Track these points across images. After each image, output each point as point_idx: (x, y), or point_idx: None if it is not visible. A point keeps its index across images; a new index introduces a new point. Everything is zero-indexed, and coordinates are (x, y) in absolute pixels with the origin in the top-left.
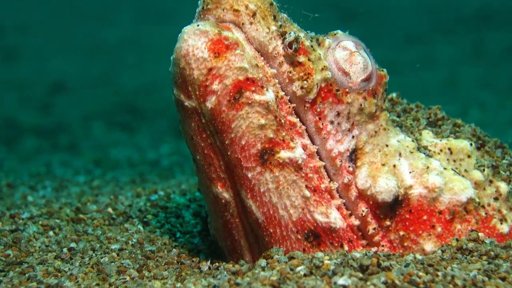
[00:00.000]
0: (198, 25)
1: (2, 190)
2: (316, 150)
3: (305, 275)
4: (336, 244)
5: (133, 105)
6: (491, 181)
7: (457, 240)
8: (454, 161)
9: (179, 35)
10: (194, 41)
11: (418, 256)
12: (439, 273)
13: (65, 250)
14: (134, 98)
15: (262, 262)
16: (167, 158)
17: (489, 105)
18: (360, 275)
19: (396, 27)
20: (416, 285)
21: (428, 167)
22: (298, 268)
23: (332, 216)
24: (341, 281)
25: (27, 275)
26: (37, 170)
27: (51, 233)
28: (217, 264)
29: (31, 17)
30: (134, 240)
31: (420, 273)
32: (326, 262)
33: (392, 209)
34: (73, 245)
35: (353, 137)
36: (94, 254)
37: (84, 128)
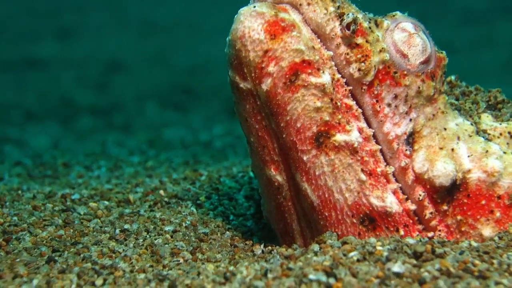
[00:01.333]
0: (254, 7)
1: (58, 170)
2: (372, 133)
3: (358, 260)
4: (392, 229)
5: (187, 85)
6: None
7: None
8: None
9: (235, 16)
10: (251, 22)
11: (474, 243)
12: (495, 261)
13: (118, 231)
14: (188, 78)
15: (315, 246)
16: (220, 139)
17: None
18: (414, 261)
19: (454, 5)
20: (471, 273)
21: (487, 151)
22: (351, 254)
23: (388, 200)
24: (395, 267)
25: (82, 255)
26: (92, 149)
27: (103, 214)
28: (270, 247)
29: None
30: (187, 222)
31: (476, 261)
32: (379, 248)
33: (449, 193)
34: (127, 226)
35: (410, 120)
36: (148, 236)
37: (138, 108)
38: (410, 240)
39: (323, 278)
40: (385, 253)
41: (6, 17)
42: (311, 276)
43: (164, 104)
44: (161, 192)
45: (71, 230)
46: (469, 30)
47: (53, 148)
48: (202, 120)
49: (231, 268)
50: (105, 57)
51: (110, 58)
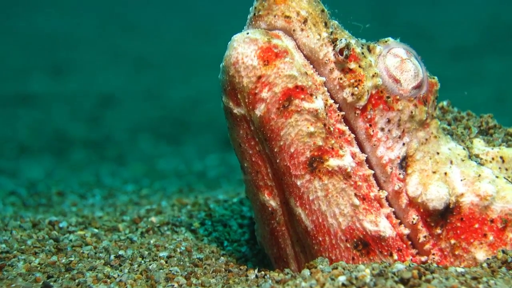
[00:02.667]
0: (247, 33)
1: (52, 198)
2: (365, 158)
3: (343, 285)
4: (386, 253)
5: (179, 118)
6: None
7: (503, 252)
8: (506, 169)
9: (229, 43)
10: (244, 49)
11: (461, 269)
12: (481, 286)
13: (113, 257)
14: (180, 111)
15: (306, 272)
16: (214, 169)
17: None
18: (401, 287)
19: (444, 42)
20: None
21: (479, 175)
22: (339, 278)
23: (381, 224)
24: None
25: (76, 280)
26: (87, 179)
27: (92, 241)
28: (263, 272)
29: (81, 32)
30: (182, 248)
31: (463, 287)
32: (367, 273)
33: (443, 217)
34: (121, 252)
35: (403, 144)
36: (142, 261)
37: (131, 141)
38: (399, 266)
39: None
40: (372, 279)
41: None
42: None
43: (157, 137)
44: (154, 219)
45: (64, 257)
46: (459, 66)
47: (47, 178)
48: (195, 151)
49: None
50: (98, 92)
51: (103, 93)
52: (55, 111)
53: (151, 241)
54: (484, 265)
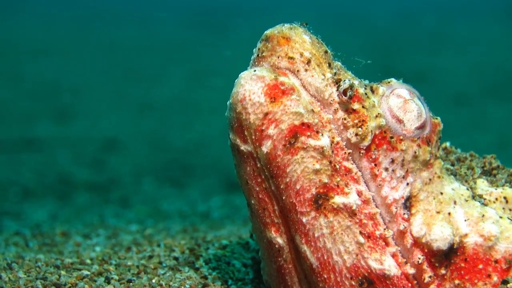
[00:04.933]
0: (255, 71)
1: (55, 239)
2: (371, 196)
3: None
4: None
5: (183, 161)
6: None
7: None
8: (510, 210)
9: (236, 80)
10: (251, 86)
11: None
12: None
13: None
14: (184, 154)
15: None
16: (217, 210)
17: None
18: None
19: (446, 87)
20: None
21: (483, 216)
22: None
23: (386, 263)
24: None
25: None
26: (91, 221)
27: (100, 279)
28: None
29: (85, 78)
30: (187, 286)
31: None
32: None
33: (447, 257)
34: None
35: (407, 184)
36: None
37: (135, 184)
38: None
39: None
40: None
41: (4, 99)
42: None
43: (161, 180)
44: (158, 258)
45: None
46: (462, 111)
47: (52, 220)
48: (199, 193)
49: None
50: (101, 136)
51: (106, 137)
52: (59, 155)
53: (154, 280)
54: None
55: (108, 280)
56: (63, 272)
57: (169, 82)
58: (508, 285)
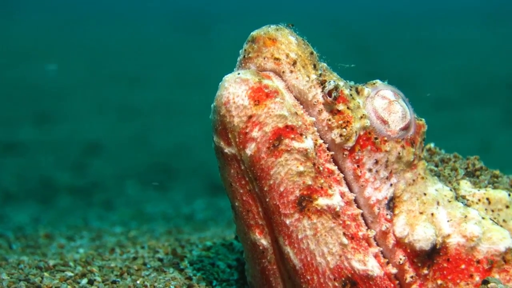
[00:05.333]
0: (238, 74)
1: (38, 241)
2: (354, 198)
3: None
4: None
5: (166, 165)
6: None
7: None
8: (492, 211)
9: (220, 83)
10: (235, 89)
11: None
12: None
13: None
14: (167, 158)
15: None
16: (201, 213)
17: None
18: None
19: (427, 91)
20: None
21: (466, 216)
22: None
23: (369, 264)
24: None
25: None
26: (74, 223)
27: (83, 280)
28: None
29: (66, 81)
30: (171, 287)
31: None
32: None
33: (429, 257)
34: None
35: (391, 185)
36: None
37: (118, 187)
38: None
39: None
40: None
41: None
42: None
43: (144, 183)
44: (142, 259)
45: None
46: (442, 115)
47: (34, 223)
48: (183, 196)
49: None
50: (84, 140)
51: (89, 141)
52: (41, 159)
53: (139, 281)
54: None
55: (91, 282)
56: (46, 274)
57: (152, 85)
58: (489, 285)
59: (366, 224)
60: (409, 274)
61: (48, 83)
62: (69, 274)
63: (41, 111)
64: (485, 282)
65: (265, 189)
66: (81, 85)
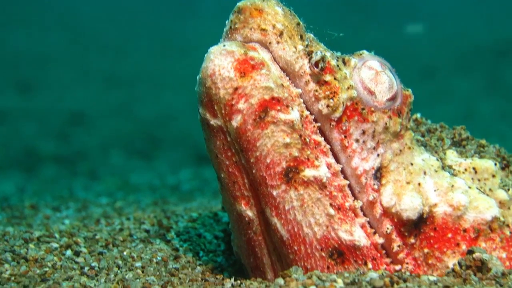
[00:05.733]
0: (224, 45)
1: (24, 212)
2: (340, 169)
3: None
4: (360, 262)
5: (151, 134)
6: None
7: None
8: (479, 180)
9: (206, 55)
10: (220, 61)
11: (433, 278)
12: None
13: (89, 267)
14: (151, 127)
15: (280, 281)
16: (187, 183)
17: (508, 137)
18: None
19: (412, 60)
20: None
21: (453, 186)
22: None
23: (356, 234)
24: None
25: None
26: (60, 193)
27: (69, 251)
28: (239, 281)
29: (49, 49)
30: (158, 257)
31: None
32: (339, 282)
33: (416, 226)
34: (94, 264)
35: (378, 155)
36: (119, 271)
37: (103, 156)
38: (372, 274)
39: None
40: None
41: None
42: None
43: (129, 152)
44: (129, 230)
45: (37, 267)
46: (427, 84)
47: (20, 193)
48: (168, 166)
49: None
50: (67, 109)
51: (72, 110)
52: (24, 128)
53: (126, 252)
54: (457, 268)
55: (77, 253)
56: (31, 245)
57: (137, 54)
58: (474, 255)
59: (353, 195)
60: (396, 243)
61: (30, 50)
62: (55, 245)
63: (23, 79)
64: (470, 252)
65: (252, 160)
66: (64, 54)
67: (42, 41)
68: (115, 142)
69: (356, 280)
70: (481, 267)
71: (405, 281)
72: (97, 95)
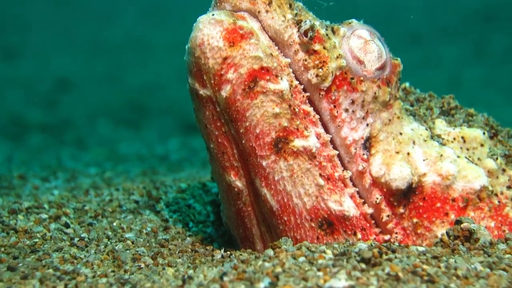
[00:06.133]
0: (213, 15)
1: (12, 182)
2: (329, 139)
3: (305, 265)
4: (350, 232)
5: (138, 103)
6: (504, 170)
7: (457, 222)
8: (467, 149)
9: (194, 24)
10: (209, 30)
11: (422, 248)
12: (442, 265)
13: (78, 238)
14: (139, 96)
15: (270, 251)
16: (176, 153)
17: (495, 104)
18: (363, 266)
19: (399, 27)
20: (420, 276)
21: (441, 155)
22: (300, 259)
23: (345, 204)
24: (341, 273)
25: (43, 261)
26: (48, 163)
27: (58, 223)
28: (229, 252)
29: (33, 15)
30: (148, 229)
31: (424, 266)
32: (328, 253)
33: (406, 196)
34: (84, 234)
35: (367, 125)
36: (109, 242)
37: (90, 125)
38: (361, 245)
39: (268, 283)
40: (333, 258)
41: None
42: (260, 284)
43: (116, 121)
44: (118, 201)
45: (27, 238)
46: (413, 50)
47: (7, 162)
48: (156, 135)
49: (190, 271)
50: (53, 76)
51: (58, 77)
52: (9, 95)
53: (115, 223)
54: (445, 238)
55: (67, 225)
56: (20, 217)
57: (122, 20)
58: (462, 225)
59: (343, 165)
60: (385, 213)
61: (13, 15)
62: (44, 216)
63: (7, 45)
64: (458, 222)
65: (241, 131)
66: (49, 19)
67: (27, 7)
68: (102, 110)
69: (345, 251)
70: (469, 237)
71: (393, 251)
72: (83, 62)
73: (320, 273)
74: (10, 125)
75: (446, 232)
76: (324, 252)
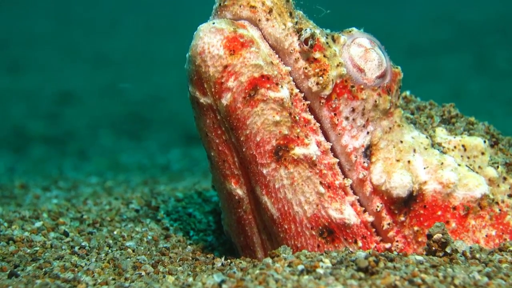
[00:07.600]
0: (213, 23)
1: (14, 191)
2: (330, 147)
3: (302, 273)
4: (350, 240)
5: (140, 114)
6: (505, 178)
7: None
8: (468, 158)
9: (195, 32)
10: (210, 38)
11: (420, 257)
12: (440, 274)
13: (79, 247)
14: (140, 107)
15: (268, 260)
16: (177, 163)
17: (497, 116)
18: (361, 275)
19: (400, 39)
20: (417, 286)
21: (442, 163)
22: (299, 267)
23: (346, 212)
24: (337, 283)
25: (44, 270)
26: (50, 173)
27: (58, 231)
28: (230, 260)
29: (37, 29)
30: (149, 237)
31: (422, 275)
32: (326, 262)
33: (406, 204)
34: (84, 243)
35: (368, 133)
36: (110, 250)
37: (92, 136)
38: (360, 254)
39: None
40: (331, 267)
41: None
42: None
43: (118, 132)
44: (118, 210)
45: (27, 247)
46: (415, 63)
47: (9, 173)
48: (158, 146)
49: (190, 279)
50: (56, 89)
51: (61, 90)
52: (13, 108)
53: (116, 231)
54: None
55: (66, 233)
56: (16, 226)
57: (124, 33)
58: (433, 238)
59: (343, 173)
60: (386, 221)
61: (18, 30)
62: (42, 225)
63: (11, 59)
64: (429, 236)
65: (242, 139)
66: (52, 33)
67: (31, 21)
68: (104, 122)
69: (343, 260)
70: (445, 247)
71: (391, 260)
72: (85, 75)
73: (316, 283)
74: (13, 137)
75: (425, 249)
76: (322, 261)
